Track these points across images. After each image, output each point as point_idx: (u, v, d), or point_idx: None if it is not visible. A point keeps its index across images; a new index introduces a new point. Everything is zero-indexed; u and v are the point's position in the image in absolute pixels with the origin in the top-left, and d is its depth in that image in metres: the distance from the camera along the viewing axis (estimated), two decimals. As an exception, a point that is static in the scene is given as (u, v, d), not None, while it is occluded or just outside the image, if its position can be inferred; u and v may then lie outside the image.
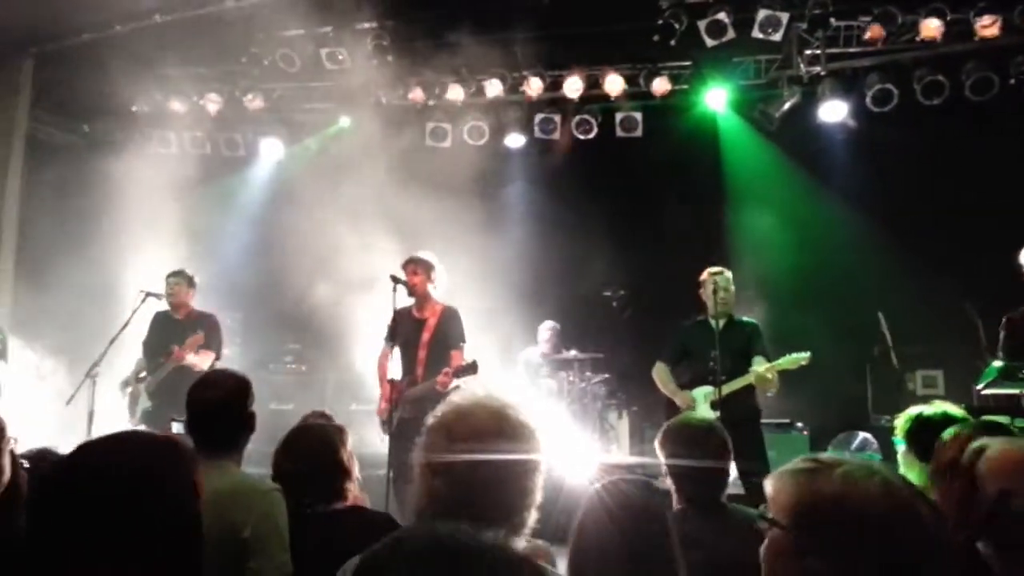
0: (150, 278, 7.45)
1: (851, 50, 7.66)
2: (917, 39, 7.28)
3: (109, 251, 8.52)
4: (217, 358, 6.08)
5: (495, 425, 1.69)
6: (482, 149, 8.98)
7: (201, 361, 5.92)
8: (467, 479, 1.64)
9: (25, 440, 2.76)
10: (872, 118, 7.73)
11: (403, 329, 5.41)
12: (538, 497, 1.71)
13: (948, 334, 7.35)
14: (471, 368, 5.10)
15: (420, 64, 8.36)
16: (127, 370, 6.26)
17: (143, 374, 6.14)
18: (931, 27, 7.09)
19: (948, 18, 7.10)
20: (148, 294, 6.12)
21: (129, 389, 6.12)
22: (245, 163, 9.41)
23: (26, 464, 2.64)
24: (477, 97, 8.58)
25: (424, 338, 5.48)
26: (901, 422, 2.81)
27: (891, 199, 7.82)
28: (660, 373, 5.85)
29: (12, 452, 2.40)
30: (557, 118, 8.60)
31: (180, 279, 6.26)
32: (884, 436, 6.93)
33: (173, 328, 6.14)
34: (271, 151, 9.26)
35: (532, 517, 1.69)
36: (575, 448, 7.60)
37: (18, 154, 8.45)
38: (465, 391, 1.85)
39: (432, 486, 1.68)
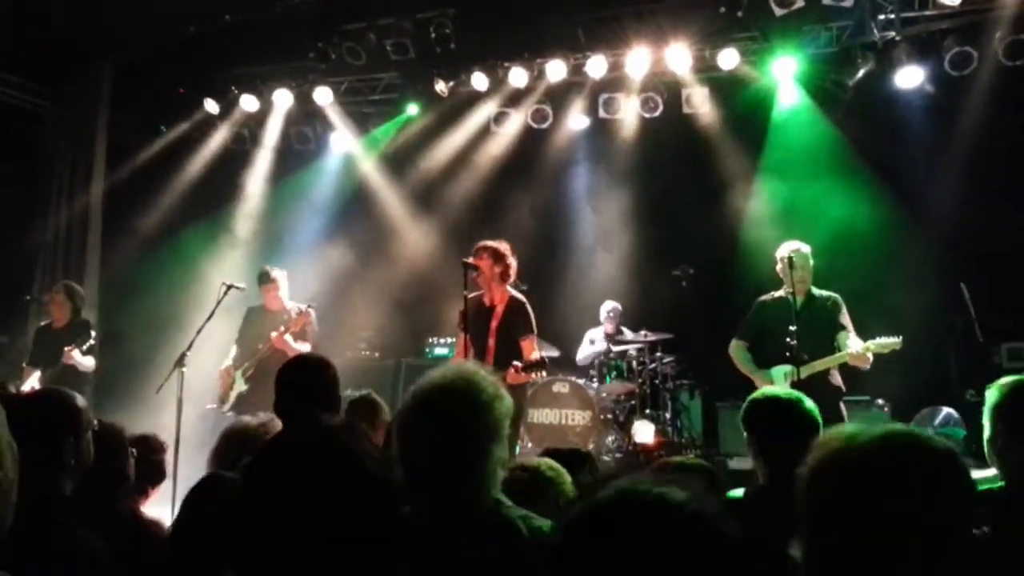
0: (230, 270, 7.76)
1: (927, 13, 7.38)
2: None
3: (189, 247, 8.85)
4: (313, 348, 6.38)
5: (455, 403, 1.90)
6: (546, 132, 8.97)
7: (298, 349, 6.18)
8: (429, 449, 1.86)
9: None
10: (950, 82, 7.44)
11: (474, 317, 5.44)
12: (501, 457, 1.93)
13: (1036, 305, 7.09)
14: (540, 364, 5.07)
15: (482, 49, 8.37)
16: (208, 359, 6.50)
17: (234, 360, 6.47)
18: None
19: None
20: (230, 286, 6.34)
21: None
22: (316, 156, 9.61)
23: (134, 451, 2.82)
24: (540, 80, 8.54)
25: (492, 326, 5.50)
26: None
27: (971, 165, 7.51)
28: (737, 351, 5.73)
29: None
30: (621, 97, 8.50)
31: (265, 279, 6.59)
32: (969, 411, 6.72)
33: (266, 322, 6.47)
34: (340, 143, 9.42)
35: (500, 475, 1.93)
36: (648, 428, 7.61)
37: (100, 159, 8.76)
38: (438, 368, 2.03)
39: (402, 448, 1.87)
